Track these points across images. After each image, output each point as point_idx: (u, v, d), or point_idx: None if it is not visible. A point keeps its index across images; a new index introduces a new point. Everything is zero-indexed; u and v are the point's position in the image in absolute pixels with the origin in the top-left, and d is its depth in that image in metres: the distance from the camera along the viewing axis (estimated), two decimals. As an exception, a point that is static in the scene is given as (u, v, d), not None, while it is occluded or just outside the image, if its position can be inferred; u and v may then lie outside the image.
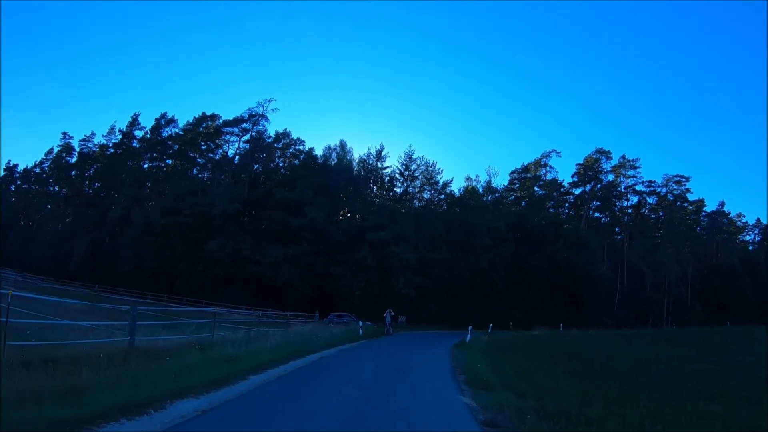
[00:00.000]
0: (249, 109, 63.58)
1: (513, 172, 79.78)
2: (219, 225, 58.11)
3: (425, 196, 65.64)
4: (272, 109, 62.96)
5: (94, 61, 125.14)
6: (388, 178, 59.96)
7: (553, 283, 61.98)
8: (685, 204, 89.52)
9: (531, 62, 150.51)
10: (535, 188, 78.12)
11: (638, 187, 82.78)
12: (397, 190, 61.54)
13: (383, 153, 61.58)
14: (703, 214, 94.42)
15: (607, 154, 78.36)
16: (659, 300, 79.94)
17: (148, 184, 76.46)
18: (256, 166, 65.61)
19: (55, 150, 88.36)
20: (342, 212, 53.92)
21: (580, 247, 63.58)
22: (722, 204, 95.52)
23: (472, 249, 55.07)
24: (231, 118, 65.22)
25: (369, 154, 60.97)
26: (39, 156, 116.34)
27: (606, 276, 68.05)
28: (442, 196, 63.68)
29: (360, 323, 31.75)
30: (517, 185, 78.57)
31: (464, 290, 55.56)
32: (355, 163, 61.06)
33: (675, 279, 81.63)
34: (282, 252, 50.85)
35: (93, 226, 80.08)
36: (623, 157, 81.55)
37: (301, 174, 56.76)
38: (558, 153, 76.96)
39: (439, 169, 64.39)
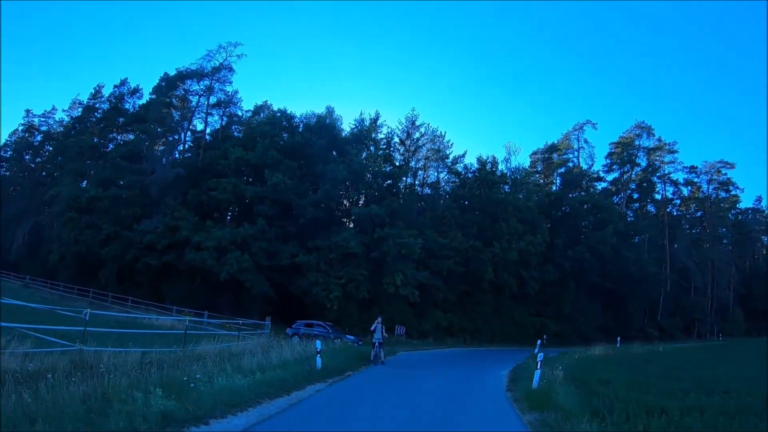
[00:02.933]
0: (208, 53, 45.22)
1: (535, 153, 61.26)
2: (156, 198, 40.25)
3: (431, 175, 47.19)
4: (237, 56, 44.74)
5: (54, 34, 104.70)
6: (385, 142, 41.24)
7: (594, 282, 44.15)
8: (723, 195, 70.91)
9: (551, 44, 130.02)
10: (556, 176, 59.05)
11: (674, 176, 64.55)
12: (396, 162, 42.72)
13: (379, 122, 43.15)
14: (735, 210, 75.32)
15: (648, 130, 60.10)
16: (704, 306, 61.90)
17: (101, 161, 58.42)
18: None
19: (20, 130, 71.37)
20: (319, 183, 35.47)
21: (628, 237, 45.62)
22: (759, 199, 77.14)
23: (496, 236, 37.39)
24: (184, 68, 46.55)
25: (361, 120, 42.35)
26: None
27: (655, 275, 49.98)
28: (453, 176, 44.79)
29: (318, 345, 15.30)
30: (540, 168, 59.88)
31: (484, 292, 37.63)
32: (344, 132, 42.23)
33: (723, 281, 64.09)
34: (229, 233, 32.82)
35: (37, 209, 63.37)
36: (659, 139, 63.19)
37: (267, 131, 38.56)
38: (594, 125, 58.09)
39: (448, 142, 46.24)
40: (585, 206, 46.14)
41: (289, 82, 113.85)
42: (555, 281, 42.13)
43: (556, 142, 60.82)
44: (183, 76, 48.22)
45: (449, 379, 15.59)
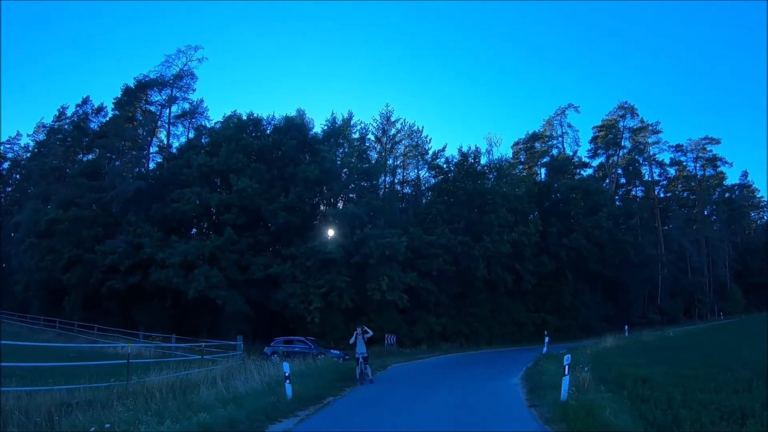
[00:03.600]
0: (167, 59, 41.55)
1: (516, 144, 57.81)
2: (119, 216, 36.66)
3: (411, 174, 43.86)
4: (198, 60, 41.26)
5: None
6: (358, 140, 37.64)
7: (593, 271, 41.11)
8: (711, 172, 68.31)
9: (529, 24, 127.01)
10: (539, 166, 55.43)
11: (660, 156, 61.87)
12: (372, 160, 39.12)
13: (353, 121, 39.79)
14: (722, 187, 72.58)
15: (632, 111, 57.24)
16: (703, 285, 59.28)
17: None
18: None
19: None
20: (290, 187, 31.91)
21: (622, 221, 42.80)
22: (745, 174, 75.10)
23: (486, 229, 34.08)
24: (143, 76, 42.75)
25: (333, 120, 38.67)
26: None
27: (654, 258, 47.17)
28: (434, 171, 40.98)
29: (286, 369, 11.84)
30: (523, 158, 56.53)
31: (478, 291, 34.33)
32: (316, 132, 38.44)
33: (719, 259, 61.69)
34: (194, 246, 29.21)
35: (6, 239, 59.02)
36: (641, 121, 60.26)
37: (232, 135, 34.97)
38: (576, 108, 55.01)
39: (426, 138, 43.19)
40: (574, 192, 43.06)
41: (257, 90, 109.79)
42: (552, 273, 38.97)
43: (537, 130, 57.88)
44: (143, 85, 44.49)
45: (454, 395, 12.46)
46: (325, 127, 37.45)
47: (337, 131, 35.82)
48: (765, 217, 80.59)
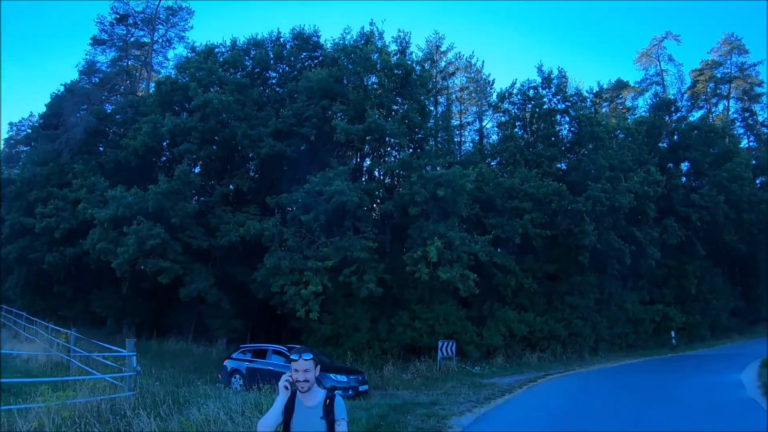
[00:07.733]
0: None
1: (597, 95, 40.59)
2: (69, 168, 24.66)
3: (470, 119, 29.41)
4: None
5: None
6: (397, 52, 23.05)
7: (726, 243, 25.96)
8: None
9: None
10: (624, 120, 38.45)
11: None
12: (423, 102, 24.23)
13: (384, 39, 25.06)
14: None
15: (738, 47, 40.51)
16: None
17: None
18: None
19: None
20: (281, 105, 18.33)
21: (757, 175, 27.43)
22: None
23: (588, 175, 19.19)
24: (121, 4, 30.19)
25: (362, 32, 23.98)
26: None
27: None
28: (502, 111, 25.91)
29: None
30: (606, 109, 40.21)
31: (581, 270, 19.86)
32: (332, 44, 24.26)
33: None
34: (133, 195, 16.18)
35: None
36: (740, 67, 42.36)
37: (213, 48, 21.92)
38: (676, 38, 38.70)
39: (488, 77, 28.65)
40: (698, 132, 27.79)
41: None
42: (675, 246, 24.02)
43: (623, 80, 41.57)
44: (122, 18, 32.06)
45: None
46: (350, 41, 23.56)
47: (366, 37, 21.90)
48: None
